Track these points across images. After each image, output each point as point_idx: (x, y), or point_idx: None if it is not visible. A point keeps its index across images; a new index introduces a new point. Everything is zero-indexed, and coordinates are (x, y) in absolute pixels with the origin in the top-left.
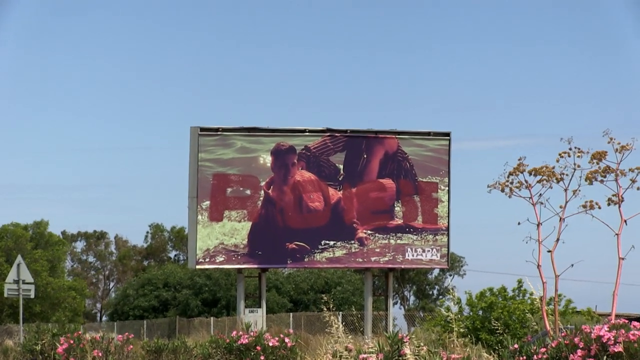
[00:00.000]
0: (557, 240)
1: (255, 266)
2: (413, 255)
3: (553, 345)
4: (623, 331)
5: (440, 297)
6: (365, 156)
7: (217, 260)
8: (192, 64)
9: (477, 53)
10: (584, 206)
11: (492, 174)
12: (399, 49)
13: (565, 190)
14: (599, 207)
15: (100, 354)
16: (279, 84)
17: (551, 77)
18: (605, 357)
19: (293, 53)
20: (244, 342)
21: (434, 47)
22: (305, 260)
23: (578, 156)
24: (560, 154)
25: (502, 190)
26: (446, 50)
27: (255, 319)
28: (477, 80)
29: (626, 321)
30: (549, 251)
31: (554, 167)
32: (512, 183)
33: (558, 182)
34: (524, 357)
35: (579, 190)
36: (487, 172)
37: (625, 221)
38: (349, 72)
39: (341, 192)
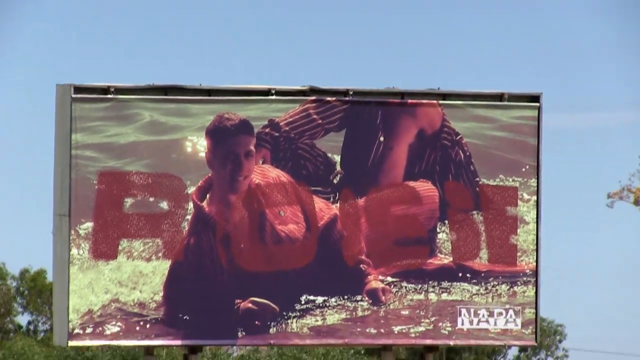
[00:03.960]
0: None
1: (179, 342)
2: (472, 323)
3: None
4: None
5: None
6: (382, 139)
7: (108, 332)
8: None
9: None
10: None
11: (611, 172)
12: None
13: None
14: None
15: None
16: (220, 26)
17: None
18: None
19: None
20: None
21: None
22: (272, 332)
23: None
24: None
25: (636, 203)
26: None
27: None
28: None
29: None
30: None
31: None
32: None
33: None
34: None
35: None
36: (598, 166)
37: None
38: (351, 6)
39: (338, 205)
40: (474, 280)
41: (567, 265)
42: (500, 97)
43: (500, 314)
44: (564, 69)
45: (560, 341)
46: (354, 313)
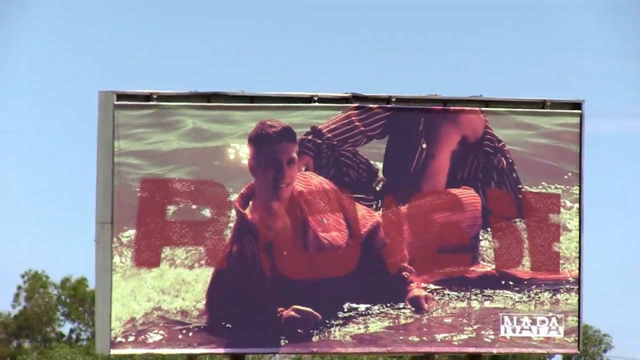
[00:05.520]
0: None
1: (222, 351)
2: (514, 331)
3: None
4: None
5: None
6: (425, 146)
7: (150, 340)
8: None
9: None
10: None
11: None
12: None
13: None
14: None
15: None
16: (263, 33)
17: None
18: None
19: None
20: None
21: None
22: (314, 340)
23: None
24: None
25: None
26: None
27: None
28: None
29: None
30: None
31: None
32: None
33: None
34: None
35: None
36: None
37: None
38: (394, 13)
39: (380, 212)
40: (517, 288)
41: (609, 273)
42: (542, 104)
43: (543, 321)
44: (606, 73)
45: (605, 351)
46: (396, 321)
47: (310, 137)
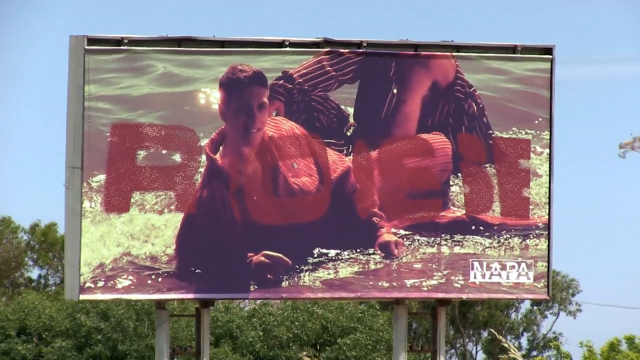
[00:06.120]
0: None
1: (191, 296)
2: (484, 276)
3: None
4: None
5: (535, 353)
6: (395, 91)
7: (119, 286)
8: None
9: None
10: None
11: (622, 123)
12: None
13: None
14: None
15: None
16: None
17: None
18: None
19: None
20: None
21: None
22: (284, 285)
23: None
24: None
25: None
26: None
27: None
28: None
29: None
30: None
31: None
32: None
33: None
34: None
35: None
36: (609, 117)
37: None
38: None
39: (351, 157)
40: (487, 233)
41: (578, 218)
42: (513, 49)
43: (513, 267)
44: (576, 20)
45: (573, 295)
46: (366, 266)
47: (281, 82)
